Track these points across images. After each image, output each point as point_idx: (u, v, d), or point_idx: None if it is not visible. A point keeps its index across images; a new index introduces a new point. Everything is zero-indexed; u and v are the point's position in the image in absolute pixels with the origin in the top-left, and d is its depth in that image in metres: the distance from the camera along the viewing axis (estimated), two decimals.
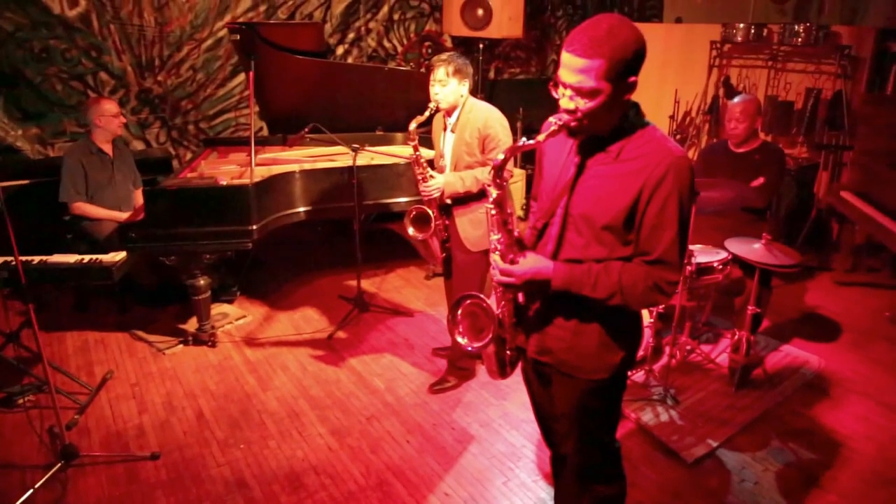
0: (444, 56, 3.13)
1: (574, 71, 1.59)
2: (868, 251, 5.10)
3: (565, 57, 1.60)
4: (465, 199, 3.25)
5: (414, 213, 3.34)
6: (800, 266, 3.27)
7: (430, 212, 3.29)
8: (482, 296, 1.93)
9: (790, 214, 5.25)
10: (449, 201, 3.27)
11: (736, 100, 3.79)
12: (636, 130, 1.71)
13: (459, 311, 1.94)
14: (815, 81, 5.46)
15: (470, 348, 1.95)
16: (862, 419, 3.34)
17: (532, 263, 1.78)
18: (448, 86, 3.12)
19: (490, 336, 1.87)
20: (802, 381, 3.65)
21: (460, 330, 1.94)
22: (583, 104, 1.61)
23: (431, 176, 3.23)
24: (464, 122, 3.19)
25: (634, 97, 1.69)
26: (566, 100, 1.64)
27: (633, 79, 1.62)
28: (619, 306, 1.74)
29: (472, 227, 3.27)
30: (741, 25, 5.57)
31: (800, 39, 5.26)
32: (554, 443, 2.31)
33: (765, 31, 5.52)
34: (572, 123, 1.66)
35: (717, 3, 7.07)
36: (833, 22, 5.89)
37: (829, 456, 3.07)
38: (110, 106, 4.18)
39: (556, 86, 1.67)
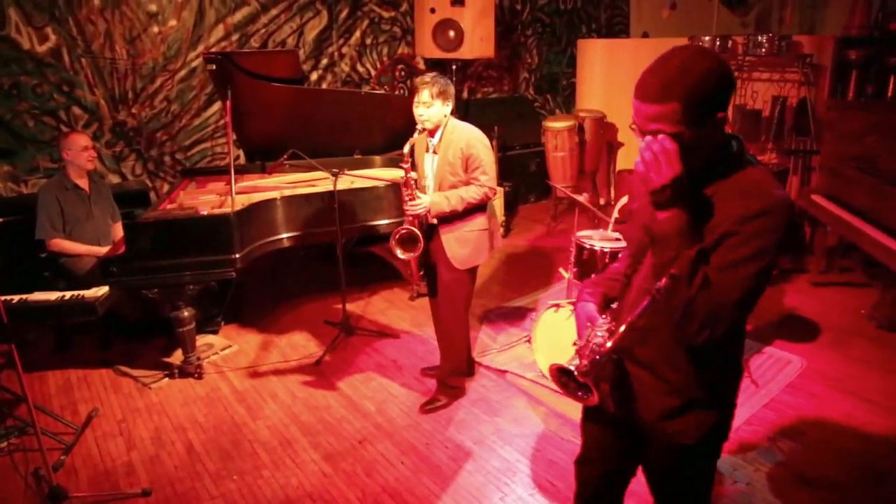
0: (427, 78, 3.18)
1: (648, 119, 1.43)
2: (841, 252, 5.22)
3: (636, 104, 1.45)
4: (451, 217, 3.28)
5: (400, 234, 3.34)
6: (777, 269, 3.34)
7: (416, 231, 3.29)
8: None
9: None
10: (434, 220, 3.30)
11: None
12: (735, 171, 1.51)
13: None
14: (781, 89, 5.62)
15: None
16: (847, 416, 3.41)
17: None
18: (432, 107, 3.17)
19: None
20: (787, 382, 3.72)
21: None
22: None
23: (418, 196, 3.25)
24: (447, 142, 3.24)
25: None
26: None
27: (721, 115, 1.44)
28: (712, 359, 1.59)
29: (459, 245, 3.30)
30: (706, 38, 5.72)
31: (763, 49, 5.41)
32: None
33: (730, 43, 5.67)
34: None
35: (683, 17, 7.25)
36: (794, 32, 6.08)
37: (818, 453, 3.12)
38: (79, 139, 4.13)
39: (636, 129, 1.50)
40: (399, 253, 3.34)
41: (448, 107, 3.22)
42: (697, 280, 1.44)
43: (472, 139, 3.20)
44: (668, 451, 1.77)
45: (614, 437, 1.92)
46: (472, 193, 3.19)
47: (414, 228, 3.29)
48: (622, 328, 1.53)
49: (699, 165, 1.49)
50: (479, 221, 3.32)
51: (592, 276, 1.88)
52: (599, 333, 1.65)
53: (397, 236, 3.32)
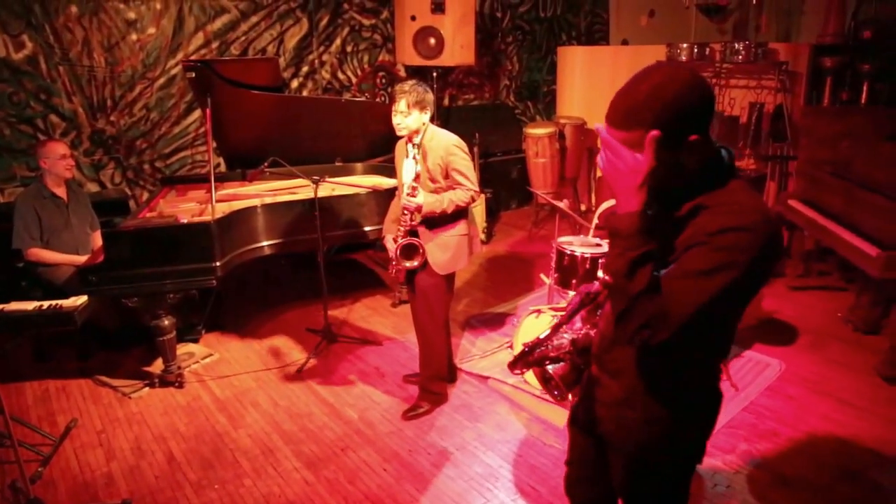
0: (405, 87, 3.20)
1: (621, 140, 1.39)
2: (817, 256, 5.30)
3: (605, 125, 1.42)
4: (436, 223, 3.31)
5: (400, 247, 3.33)
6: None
7: (415, 241, 3.32)
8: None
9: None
10: (416, 221, 3.32)
11: None
12: (719, 187, 1.46)
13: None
14: (758, 96, 5.70)
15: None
16: (824, 417, 3.46)
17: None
18: (409, 116, 3.21)
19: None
20: (766, 385, 3.76)
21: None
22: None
23: (418, 193, 3.26)
24: (426, 149, 3.26)
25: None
26: None
27: (694, 138, 1.39)
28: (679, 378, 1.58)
29: (441, 250, 3.33)
30: (685, 45, 5.79)
31: (740, 56, 5.49)
32: None
33: (707, 50, 5.75)
34: None
35: (661, 25, 7.35)
36: (770, 39, 6.17)
37: (796, 455, 3.16)
38: (56, 147, 4.07)
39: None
40: (407, 263, 3.35)
41: (426, 115, 3.25)
42: (639, 282, 1.38)
43: (450, 146, 3.24)
44: (628, 464, 1.77)
45: (589, 445, 1.92)
46: (459, 196, 3.23)
47: (412, 239, 3.31)
48: (551, 328, 1.63)
49: (670, 190, 1.46)
50: (460, 227, 3.36)
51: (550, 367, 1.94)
52: (566, 336, 1.70)
53: (398, 249, 3.33)
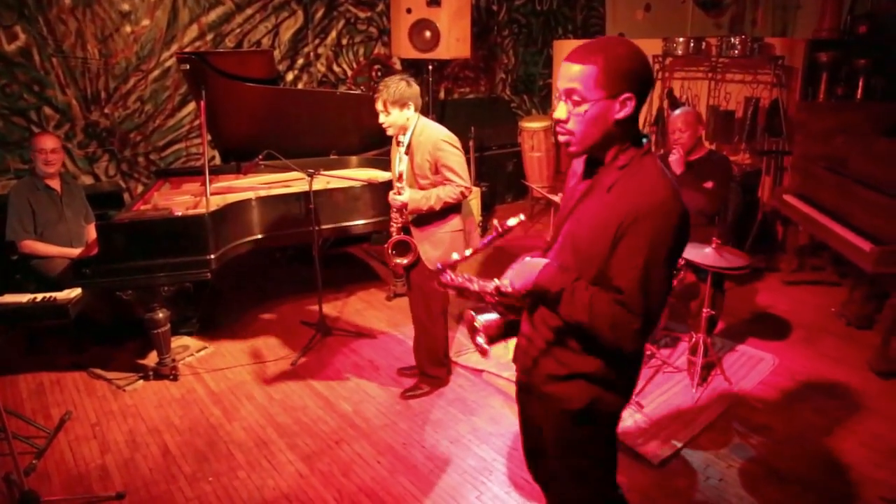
0: (383, 85, 3.22)
1: (568, 78, 1.59)
2: (811, 251, 5.32)
3: (565, 66, 1.61)
4: (426, 220, 3.30)
5: (392, 243, 3.39)
6: (749, 267, 3.40)
7: (406, 238, 3.34)
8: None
9: (737, 219, 5.44)
10: (405, 218, 3.33)
11: (677, 112, 3.97)
12: (632, 163, 1.64)
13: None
14: (754, 91, 5.70)
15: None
16: (816, 411, 3.47)
17: (520, 267, 1.77)
18: (390, 115, 3.24)
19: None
20: (759, 379, 3.78)
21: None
22: (574, 112, 1.60)
23: (403, 190, 3.27)
24: (415, 144, 3.26)
25: None
26: (560, 108, 1.64)
27: (626, 95, 1.57)
28: (594, 338, 1.67)
29: (432, 247, 3.33)
30: (681, 39, 5.79)
31: (736, 51, 5.48)
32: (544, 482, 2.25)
33: (703, 45, 5.75)
34: (561, 135, 1.66)
35: (657, 19, 7.34)
36: (766, 34, 6.18)
37: (789, 448, 3.18)
38: (37, 141, 4.04)
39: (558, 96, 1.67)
40: (398, 260, 3.40)
41: (408, 111, 3.25)
42: (582, 306, 1.62)
43: (439, 141, 3.22)
44: (554, 416, 1.89)
45: (524, 411, 2.12)
46: (448, 192, 3.22)
47: (405, 237, 3.34)
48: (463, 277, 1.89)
49: (612, 146, 1.65)
50: (454, 223, 3.35)
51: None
52: (496, 282, 1.83)
53: (391, 246, 3.38)
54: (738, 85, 5.84)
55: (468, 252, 1.89)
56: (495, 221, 1.77)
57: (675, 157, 3.81)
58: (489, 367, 3.91)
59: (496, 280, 1.81)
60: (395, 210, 3.32)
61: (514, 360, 2.04)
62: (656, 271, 1.58)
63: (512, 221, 1.76)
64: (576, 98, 1.59)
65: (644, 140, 1.69)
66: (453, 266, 1.87)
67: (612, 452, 2.00)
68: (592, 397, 1.80)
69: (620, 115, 1.59)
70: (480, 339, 1.89)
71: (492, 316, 1.90)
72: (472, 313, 1.90)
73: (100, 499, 2.91)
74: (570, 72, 1.59)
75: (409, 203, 3.24)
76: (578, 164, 1.85)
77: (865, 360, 3.94)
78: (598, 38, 1.63)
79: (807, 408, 3.51)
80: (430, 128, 3.29)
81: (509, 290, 1.75)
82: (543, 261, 1.74)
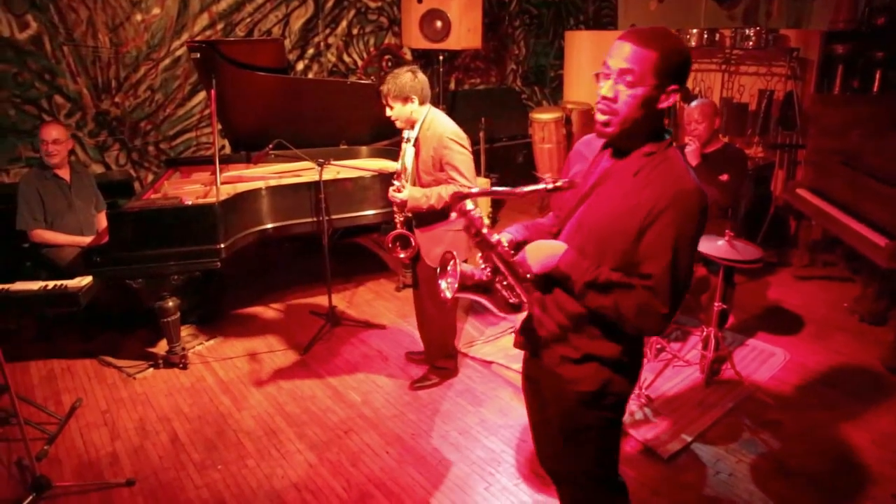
0: (388, 77, 3.20)
1: (625, 58, 1.58)
2: (824, 246, 5.27)
3: (620, 45, 1.60)
4: (427, 219, 3.29)
5: (392, 236, 3.40)
6: (762, 261, 3.37)
7: (406, 232, 3.35)
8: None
9: (749, 213, 5.40)
10: (409, 214, 3.32)
11: (693, 104, 3.92)
12: (659, 153, 1.67)
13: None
14: (768, 83, 5.64)
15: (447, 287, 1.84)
16: (827, 408, 3.45)
17: (537, 249, 1.73)
18: (394, 109, 3.23)
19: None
20: (770, 374, 3.75)
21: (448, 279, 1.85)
22: (624, 93, 1.60)
23: (404, 186, 3.25)
24: (423, 139, 3.24)
25: None
26: (608, 87, 1.62)
27: (674, 87, 1.61)
28: (613, 323, 1.70)
29: (432, 243, 3.34)
30: (694, 31, 5.72)
31: (751, 43, 5.42)
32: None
33: (717, 36, 5.68)
34: (603, 112, 1.64)
35: (670, 10, 7.26)
36: (780, 25, 6.10)
37: (799, 444, 3.16)
38: (45, 132, 4.03)
39: (598, 76, 1.66)
40: (402, 255, 3.41)
41: (413, 104, 3.21)
42: (605, 297, 1.65)
43: (444, 138, 3.17)
44: (565, 398, 1.89)
45: (533, 398, 2.12)
46: (450, 192, 3.18)
47: (404, 231, 3.35)
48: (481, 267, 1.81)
49: (644, 134, 1.66)
50: (456, 222, 3.32)
51: (526, 221, 1.99)
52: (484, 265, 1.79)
53: (390, 239, 3.39)
54: (752, 77, 5.78)
55: (501, 189, 1.78)
56: (546, 175, 1.69)
57: (690, 149, 3.78)
58: (498, 359, 3.91)
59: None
60: (395, 205, 3.31)
61: (517, 344, 2.03)
62: (684, 258, 1.62)
63: (560, 182, 1.68)
64: (629, 79, 1.58)
65: (667, 135, 1.71)
66: (471, 199, 1.75)
67: (617, 437, 2.03)
68: (604, 380, 1.82)
69: (664, 104, 1.63)
70: (445, 283, 1.82)
71: (469, 268, 1.83)
72: (454, 254, 1.83)
73: (110, 485, 2.92)
74: (628, 53, 1.58)
75: (409, 201, 3.21)
76: (586, 149, 1.86)
77: (878, 357, 3.90)
78: (655, 27, 1.62)
79: (818, 404, 3.49)
80: (439, 122, 3.25)
81: (527, 274, 1.73)
82: (562, 245, 1.72)
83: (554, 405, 1.98)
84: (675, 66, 1.59)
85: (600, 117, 1.66)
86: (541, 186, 1.67)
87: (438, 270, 1.87)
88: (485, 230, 1.73)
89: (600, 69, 1.65)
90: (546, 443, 2.17)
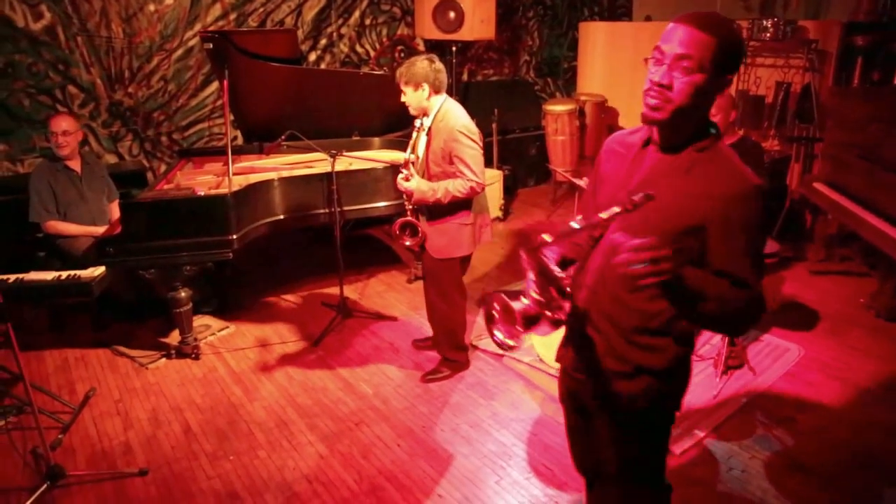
0: (402, 65, 3.20)
1: (683, 43, 1.49)
2: (840, 241, 5.21)
3: (676, 29, 1.51)
4: (433, 213, 3.28)
5: (398, 223, 3.41)
6: (777, 255, 3.33)
7: (412, 220, 3.35)
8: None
9: (764, 206, 5.34)
10: (413, 206, 3.33)
11: None
12: (711, 148, 1.60)
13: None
14: (785, 75, 5.57)
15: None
16: (843, 404, 3.41)
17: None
18: (406, 95, 3.22)
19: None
20: (784, 370, 3.72)
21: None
22: (679, 80, 1.50)
23: (412, 176, 3.25)
24: (435, 129, 3.23)
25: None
26: (661, 73, 1.52)
27: (729, 76, 1.55)
28: (663, 332, 1.68)
29: (437, 235, 3.34)
30: None
31: (768, 34, 5.35)
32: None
33: (734, 27, 5.60)
34: (653, 97, 1.54)
35: (686, 1, 7.18)
36: (798, 17, 6.02)
37: (813, 441, 3.12)
38: (54, 123, 4.02)
39: (648, 61, 1.57)
40: (408, 243, 3.41)
41: (424, 91, 3.19)
42: (717, 297, 1.55)
43: (454, 131, 3.15)
44: (618, 416, 1.84)
45: (579, 412, 2.03)
46: (457, 186, 3.17)
47: (411, 218, 3.34)
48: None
49: (694, 127, 1.59)
50: (462, 216, 3.31)
51: (547, 237, 1.63)
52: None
53: (397, 227, 3.39)
54: (769, 69, 5.71)
55: (579, 225, 1.55)
56: (628, 199, 1.47)
57: None
58: (509, 352, 3.89)
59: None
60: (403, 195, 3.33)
61: (559, 358, 1.97)
62: (761, 250, 1.65)
63: (637, 197, 1.48)
64: (686, 65, 1.49)
65: (712, 129, 1.63)
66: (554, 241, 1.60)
67: (666, 447, 1.99)
68: (658, 393, 1.77)
69: (717, 94, 1.58)
70: (501, 334, 1.63)
71: (519, 305, 1.64)
72: (503, 296, 1.63)
73: (124, 475, 2.95)
74: (686, 37, 1.49)
75: (416, 193, 3.20)
76: (620, 146, 1.75)
77: (894, 354, 3.85)
78: (710, 12, 1.53)
79: (832, 400, 3.45)
80: (452, 114, 3.22)
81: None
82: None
83: (603, 416, 1.91)
84: (732, 54, 1.52)
85: (650, 101, 1.55)
86: (617, 210, 1.49)
87: (485, 320, 1.68)
88: (554, 268, 1.60)
89: (651, 54, 1.55)
90: (589, 450, 2.09)
